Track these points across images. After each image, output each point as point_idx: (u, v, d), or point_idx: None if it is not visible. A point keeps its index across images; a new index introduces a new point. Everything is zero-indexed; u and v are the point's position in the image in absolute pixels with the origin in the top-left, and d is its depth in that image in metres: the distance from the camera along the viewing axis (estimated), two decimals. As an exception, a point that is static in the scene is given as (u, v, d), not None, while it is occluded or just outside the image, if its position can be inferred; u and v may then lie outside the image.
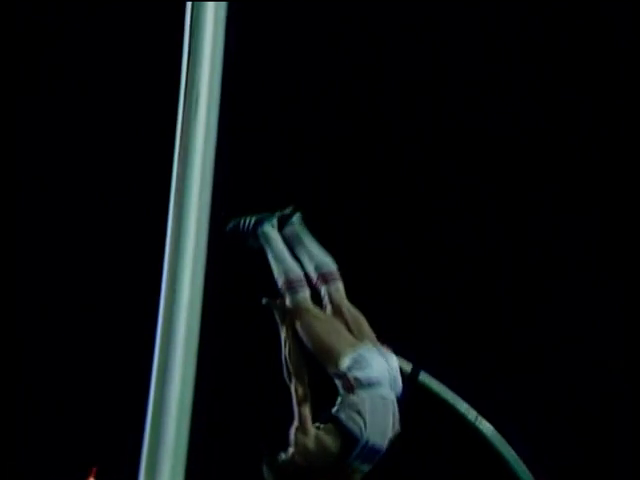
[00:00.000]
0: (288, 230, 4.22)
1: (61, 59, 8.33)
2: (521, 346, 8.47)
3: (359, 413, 3.71)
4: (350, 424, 3.69)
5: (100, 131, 8.10)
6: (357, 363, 3.80)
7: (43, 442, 7.66)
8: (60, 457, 7.64)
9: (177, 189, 2.95)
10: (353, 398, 3.74)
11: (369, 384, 3.78)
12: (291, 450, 3.72)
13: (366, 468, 3.75)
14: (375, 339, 4.00)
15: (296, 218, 4.25)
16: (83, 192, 7.95)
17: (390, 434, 3.77)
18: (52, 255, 7.90)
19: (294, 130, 8.33)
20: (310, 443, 3.68)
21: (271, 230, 4.15)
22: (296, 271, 4.05)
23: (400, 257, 8.60)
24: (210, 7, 3.18)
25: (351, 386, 3.77)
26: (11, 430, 7.62)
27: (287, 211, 4.27)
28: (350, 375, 3.78)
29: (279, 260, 4.06)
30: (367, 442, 3.67)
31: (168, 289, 2.76)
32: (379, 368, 3.83)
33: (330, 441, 3.67)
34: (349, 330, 3.96)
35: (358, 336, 3.95)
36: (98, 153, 8.07)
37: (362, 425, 3.68)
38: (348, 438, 3.66)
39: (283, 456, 3.74)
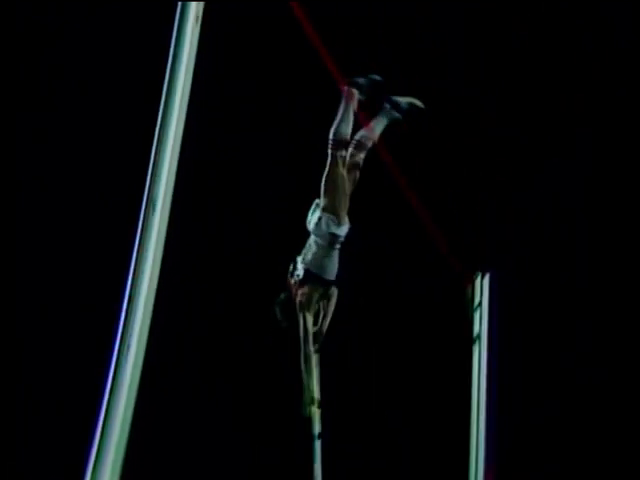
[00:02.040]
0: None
1: (61, 59, 8.34)
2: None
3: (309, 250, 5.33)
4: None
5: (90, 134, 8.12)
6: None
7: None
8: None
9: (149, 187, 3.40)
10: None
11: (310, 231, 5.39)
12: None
13: (318, 289, 5.26)
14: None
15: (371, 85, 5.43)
16: (79, 190, 8.00)
17: (330, 270, 5.28)
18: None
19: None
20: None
21: (352, 92, 5.33)
22: (340, 135, 5.31)
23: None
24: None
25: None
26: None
27: (374, 77, 5.44)
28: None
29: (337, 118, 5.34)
30: (309, 270, 5.27)
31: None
32: (312, 222, 5.34)
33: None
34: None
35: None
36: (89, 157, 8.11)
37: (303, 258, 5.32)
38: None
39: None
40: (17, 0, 7.90)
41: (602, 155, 9.52)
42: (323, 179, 5.32)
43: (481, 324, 5.59)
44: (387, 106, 5.59)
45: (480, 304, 5.64)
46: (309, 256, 5.30)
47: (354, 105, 5.36)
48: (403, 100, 5.60)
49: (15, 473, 7.37)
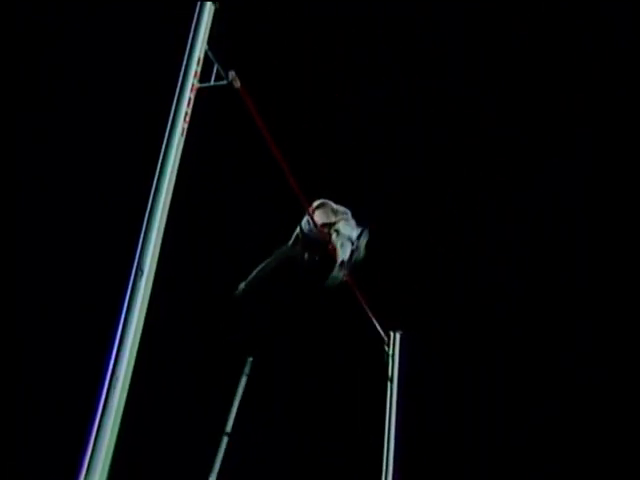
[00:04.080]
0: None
1: (61, 59, 8.33)
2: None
3: None
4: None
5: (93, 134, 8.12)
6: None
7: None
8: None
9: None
10: None
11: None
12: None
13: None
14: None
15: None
16: (81, 190, 8.02)
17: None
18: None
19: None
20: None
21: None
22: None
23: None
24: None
25: None
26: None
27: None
28: None
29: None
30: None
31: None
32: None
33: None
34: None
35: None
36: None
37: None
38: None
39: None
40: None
41: (602, 155, 9.53)
42: (336, 206, 6.53)
43: (393, 369, 7.69)
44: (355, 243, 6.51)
45: (393, 354, 7.73)
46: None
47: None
48: (361, 247, 6.44)
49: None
